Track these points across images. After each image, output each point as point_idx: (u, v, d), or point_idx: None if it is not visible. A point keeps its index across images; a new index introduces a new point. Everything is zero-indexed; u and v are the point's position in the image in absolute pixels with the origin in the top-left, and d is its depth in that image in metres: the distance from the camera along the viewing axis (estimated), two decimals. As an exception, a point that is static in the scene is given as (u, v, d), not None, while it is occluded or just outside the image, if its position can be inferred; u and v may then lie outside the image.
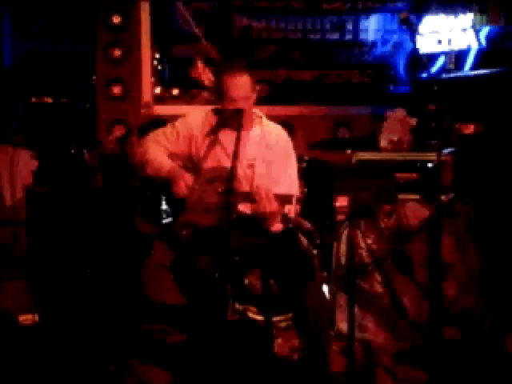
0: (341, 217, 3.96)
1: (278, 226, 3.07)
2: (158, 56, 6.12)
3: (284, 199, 2.86)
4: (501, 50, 5.04)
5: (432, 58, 5.53)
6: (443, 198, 3.78)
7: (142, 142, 3.26)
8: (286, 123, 3.70)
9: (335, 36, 6.22)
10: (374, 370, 3.48)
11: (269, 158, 3.13)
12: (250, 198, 2.93)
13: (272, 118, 3.31)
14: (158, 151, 3.16)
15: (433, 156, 3.96)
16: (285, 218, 3.05)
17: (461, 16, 5.26)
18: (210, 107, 3.24)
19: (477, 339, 3.67)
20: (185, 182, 3.05)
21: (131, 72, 5.98)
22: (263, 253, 3.12)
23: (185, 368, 3.33)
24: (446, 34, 5.36)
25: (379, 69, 6.26)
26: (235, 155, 2.79)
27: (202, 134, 3.15)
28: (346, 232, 3.77)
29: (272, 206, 2.86)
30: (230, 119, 3.02)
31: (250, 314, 4.03)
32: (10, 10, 6.03)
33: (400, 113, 4.59)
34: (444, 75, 5.36)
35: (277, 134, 3.22)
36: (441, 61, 5.50)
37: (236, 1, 6.08)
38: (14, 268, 4.15)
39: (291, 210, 3.04)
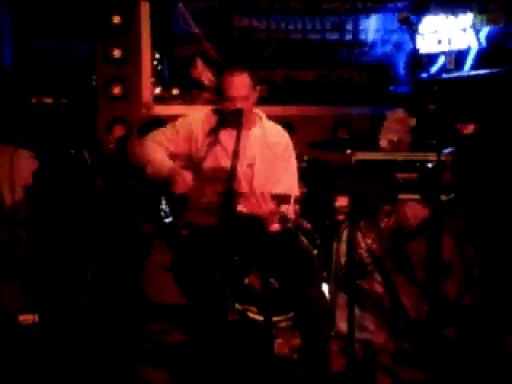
0: (341, 217, 3.96)
1: (275, 226, 3.07)
2: (157, 56, 6.12)
3: (282, 199, 2.85)
4: (501, 50, 5.04)
5: (432, 58, 5.53)
6: (443, 197, 3.78)
7: (142, 142, 3.26)
8: (286, 123, 3.70)
9: (335, 36, 6.22)
10: (374, 370, 3.48)
11: (269, 157, 3.13)
12: (247, 198, 2.93)
13: (272, 117, 3.30)
14: (159, 151, 3.16)
15: (433, 156, 3.96)
16: (283, 218, 3.05)
17: (461, 16, 5.26)
18: (210, 107, 3.24)
19: (477, 339, 3.67)
20: (184, 181, 3.04)
21: (131, 72, 5.98)
22: (263, 253, 3.12)
23: (185, 368, 3.33)
24: (446, 34, 5.36)
25: (379, 69, 6.27)
26: (235, 155, 2.79)
27: (202, 133, 3.15)
28: (345, 232, 3.77)
29: (268, 206, 2.86)
30: (230, 119, 3.02)
31: (250, 314, 4.04)
32: (9, 9, 6.02)
33: (400, 113, 4.59)
34: (444, 75, 5.36)
35: (277, 133, 3.22)
36: (441, 61, 5.50)
37: (236, 1, 6.08)
38: (14, 268, 4.15)
39: (290, 209, 3.04)
